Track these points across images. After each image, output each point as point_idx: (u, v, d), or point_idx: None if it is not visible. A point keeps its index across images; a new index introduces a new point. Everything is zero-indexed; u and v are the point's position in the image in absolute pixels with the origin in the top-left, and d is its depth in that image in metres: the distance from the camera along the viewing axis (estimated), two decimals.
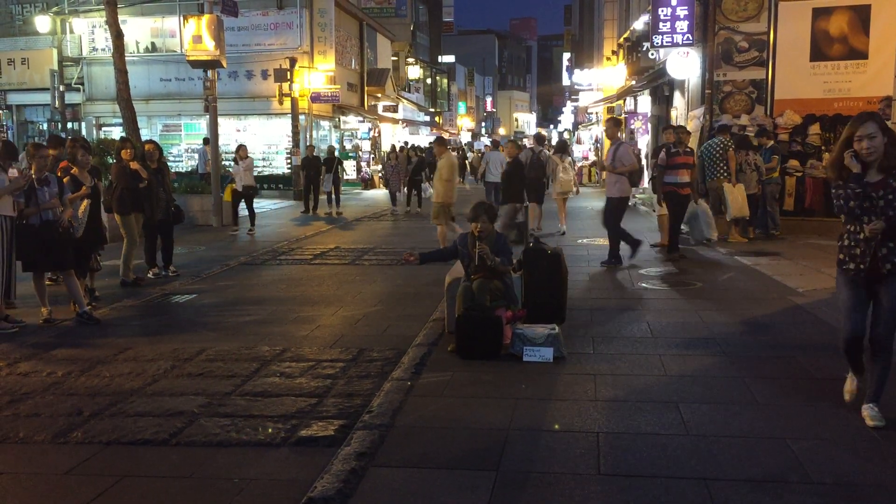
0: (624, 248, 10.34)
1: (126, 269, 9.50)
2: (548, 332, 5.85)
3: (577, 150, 38.79)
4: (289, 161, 25.03)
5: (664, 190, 10.80)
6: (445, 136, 50.89)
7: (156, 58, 26.07)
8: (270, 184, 25.41)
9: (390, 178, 20.38)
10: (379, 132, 34.50)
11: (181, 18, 19.98)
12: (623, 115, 24.52)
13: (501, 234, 6.45)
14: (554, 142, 22.73)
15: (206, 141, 22.13)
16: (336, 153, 21.13)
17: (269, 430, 4.58)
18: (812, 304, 7.71)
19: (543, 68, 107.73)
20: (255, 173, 26.53)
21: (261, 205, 21.21)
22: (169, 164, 11.42)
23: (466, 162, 36.72)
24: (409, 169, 20.57)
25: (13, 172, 7.37)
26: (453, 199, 11.87)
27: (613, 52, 28.71)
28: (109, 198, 9.42)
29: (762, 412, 4.67)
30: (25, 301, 7.94)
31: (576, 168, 17.24)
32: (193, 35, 16.11)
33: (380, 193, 27.22)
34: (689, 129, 12.91)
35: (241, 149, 15.68)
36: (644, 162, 21.48)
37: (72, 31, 26.73)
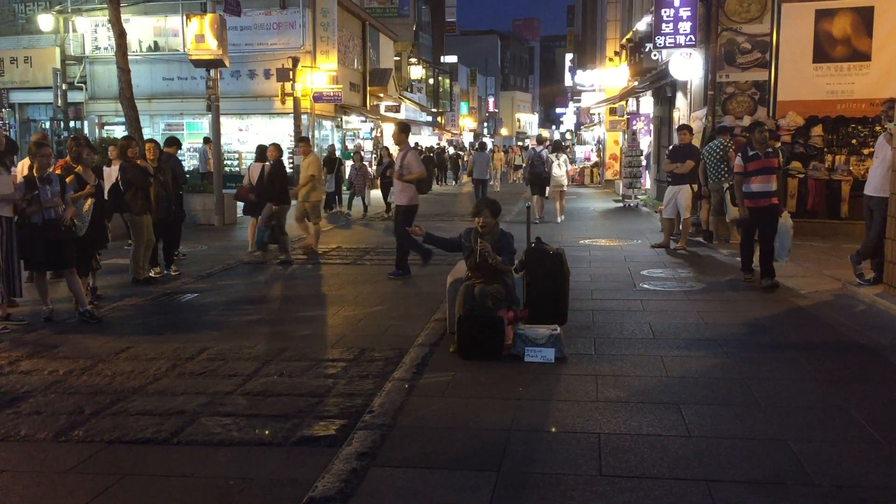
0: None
1: (137, 268, 9.50)
2: (549, 333, 5.84)
3: (579, 151, 38.78)
4: (291, 161, 25.02)
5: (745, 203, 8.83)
6: (448, 136, 51.11)
7: (158, 57, 26.10)
8: None
9: (354, 182, 19.51)
10: (381, 132, 34.51)
11: (184, 17, 19.96)
12: (626, 116, 24.51)
13: (505, 232, 6.42)
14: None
15: (206, 140, 22.18)
16: (338, 153, 21.18)
17: (271, 430, 4.58)
18: (814, 306, 7.70)
19: (546, 69, 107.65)
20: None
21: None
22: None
23: (460, 161, 37.00)
24: (379, 170, 20.01)
25: (15, 172, 7.39)
26: (321, 198, 12.04)
27: (616, 53, 28.68)
28: (115, 197, 9.41)
29: (764, 414, 4.67)
30: (27, 300, 7.94)
31: (569, 166, 18.99)
32: (196, 34, 16.10)
33: (379, 193, 27.16)
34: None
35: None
36: (644, 163, 21.51)
37: (75, 30, 26.76)
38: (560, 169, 16.83)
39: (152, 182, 9.59)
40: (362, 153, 21.97)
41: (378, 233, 15.56)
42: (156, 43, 26.44)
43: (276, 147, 11.94)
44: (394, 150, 15.19)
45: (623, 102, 24.73)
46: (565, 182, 17.15)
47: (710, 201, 12.38)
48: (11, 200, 7.14)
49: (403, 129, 10.42)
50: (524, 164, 24.18)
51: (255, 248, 11.91)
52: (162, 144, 11.06)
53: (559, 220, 16.62)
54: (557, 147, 18.36)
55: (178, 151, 12.28)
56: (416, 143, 33.24)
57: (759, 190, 8.65)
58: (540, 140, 18.45)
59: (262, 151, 12.43)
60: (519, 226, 9.68)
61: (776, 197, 8.80)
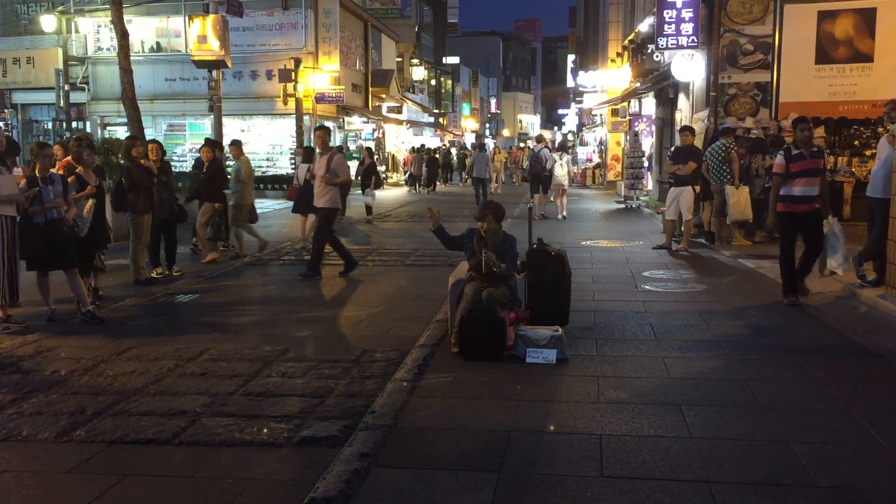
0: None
1: (137, 268, 9.51)
2: (551, 334, 5.84)
3: (581, 152, 38.75)
4: (293, 161, 25.05)
5: (778, 209, 7.96)
6: (450, 136, 51.13)
7: (161, 57, 26.10)
8: (274, 184, 25.43)
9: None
10: (383, 133, 34.55)
11: (186, 18, 20.04)
12: (628, 117, 24.51)
13: (508, 235, 6.41)
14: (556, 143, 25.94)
15: (207, 141, 22.18)
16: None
17: (272, 430, 4.58)
18: (815, 307, 7.69)
19: (548, 70, 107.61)
20: (259, 174, 26.61)
21: (265, 205, 21.24)
22: (173, 163, 11.46)
23: (467, 161, 37.02)
24: (360, 171, 19.58)
25: (17, 171, 7.40)
26: (251, 201, 11.97)
27: (618, 54, 28.68)
28: (120, 196, 9.41)
29: (765, 415, 4.66)
30: (29, 300, 7.94)
31: (572, 166, 20.69)
32: (198, 35, 16.17)
33: (384, 193, 27.25)
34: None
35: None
36: (646, 164, 21.52)
37: (77, 31, 26.79)
38: (562, 169, 17.87)
39: (155, 182, 9.61)
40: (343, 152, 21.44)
41: (377, 235, 15.57)
42: (158, 44, 26.46)
43: (214, 147, 12.01)
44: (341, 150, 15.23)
45: (625, 104, 24.72)
46: (566, 181, 18.23)
47: (713, 202, 12.38)
48: (14, 200, 7.15)
49: (327, 132, 10.52)
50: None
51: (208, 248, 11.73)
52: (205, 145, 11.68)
53: (561, 216, 17.50)
54: (562, 147, 19.67)
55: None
56: (423, 145, 33.51)
57: (801, 194, 7.81)
58: (539, 140, 18.92)
59: (309, 153, 12.88)
60: (520, 227, 9.71)
61: (819, 201, 7.96)
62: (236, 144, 12.59)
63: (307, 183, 11.89)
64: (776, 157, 8.24)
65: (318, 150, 10.67)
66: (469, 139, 59.80)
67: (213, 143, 12.00)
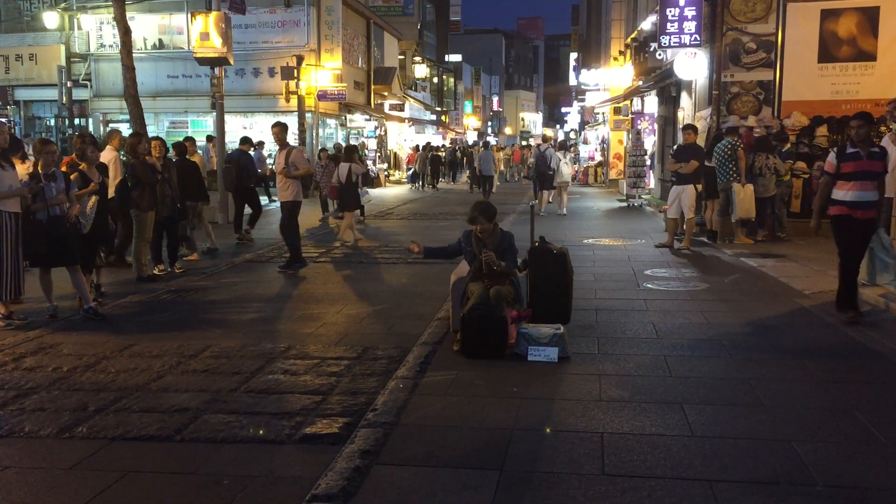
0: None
1: (140, 265, 9.52)
2: (553, 332, 5.84)
3: (583, 151, 38.73)
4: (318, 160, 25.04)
5: (831, 212, 7.12)
6: (452, 134, 51.12)
7: (163, 54, 26.10)
8: (275, 181, 25.40)
9: (321, 182, 17.36)
10: (385, 131, 34.53)
11: (189, 15, 20.03)
12: (630, 116, 24.48)
13: (506, 233, 6.40)
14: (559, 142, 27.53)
15: (209, 138, 22.27)
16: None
17: (274, 427, 4.58)
18: (818, 307, 7.68)
19: (550, 68, 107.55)
20: (262, 170, 26.55)
21: (267, 202, 21.24)
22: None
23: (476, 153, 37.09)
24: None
25: (20, 169, 7.40)
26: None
27: (620, 53, 28.65)
28: (125, 193, 9.41)
29: (767, 414, 4.66)
30: (31, 296, 7.95)
31: (573, 164, 21.89)
32: (201, 32, 16.12)
33: (386, 191, 27.27)
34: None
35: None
36: (648, 162, 21.50)
37: (80, 28, 26.78)
38: (566, 167, 18.97)
39: (159, 179, 9.61)
40: (327, 149, 19.94)
41: (384, 231, 15.57)
42: (161, 41, 26.45)
43: (188, 142, 12.20)
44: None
45: (627, 102, 24.71)
46: (569, 179, 19.44)
47: (717, 201, 12.38)
48: (19, 194, 7.14)
49: (283, 128, 10.69)
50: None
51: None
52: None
53: (563, 211, 18.20)
54: (562, 147, 20.92)
55: (251, 149, 14.84)
56: (428, 143, 33.56)
57: (854, 199, 6.89)
58: (545, 139, 19.52)
59: (350, 152, 13.66)
60: (522, 225, 9.71)
61: (876, 209, 7.01)
62: (190, 142, 12.76)
63: (349, 180, 12.89)
64: (829, 154, 7.33)
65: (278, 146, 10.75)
66: (471, 137, 59.85)
67: (176, 144, 11.89)
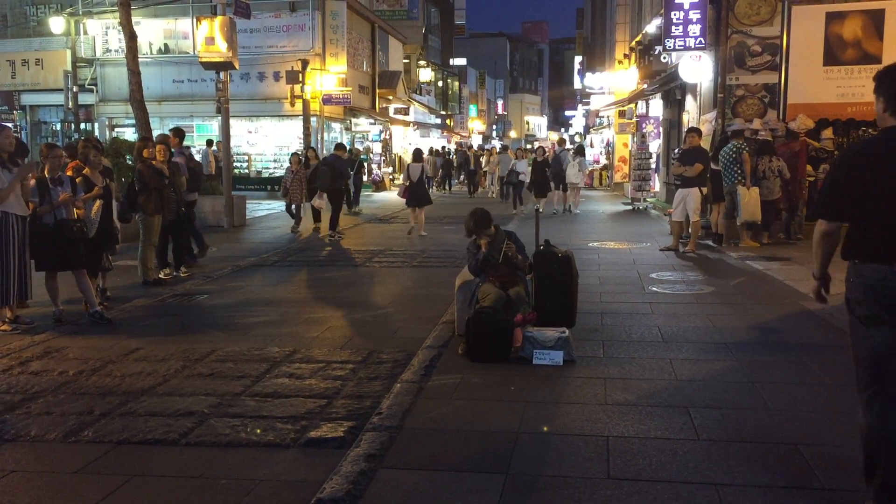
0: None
1: (146, 269, 9.54)
2: (558, 336, 5.83)
3: (588, 154, 38.68)
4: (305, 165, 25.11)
5: None
6: (456, 138, 51.13)
7: (169, 59, 26.20)
8: (280, 186, 25.45)
9: (289, 188, 15.85)
10: (390, 134, 34.57)
11: (194, 20, 20.04)
12: (635, 119, 24.47)
13: (509, 231, 6.52)
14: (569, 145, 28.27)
15: (209, 142, 22.47)
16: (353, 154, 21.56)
17: (279, 431, 4.59)
18: (823, 309, 7.63)
19: (555, 71, 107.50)
20: (266, 175, 26.76)
21: (272, 206, 21.30)
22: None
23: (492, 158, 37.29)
24: (307, 174, 15.86)
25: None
26: None
27: (625, 56, 28.62)
28: (132, 198, 9.42)
29: (773, 417, 4.65)
30: (37, 301, 7.98)
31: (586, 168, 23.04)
32: (206, 37, 16.16)
33: (392, 196, 27.27)
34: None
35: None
36: (653, 166, 21.48)
37: (85, 33, 26.90)
38: (575, 169, 20.00)
39: (165, 183, 9.63)
40: (299, 154, 17.64)
41: (389, 235, 15.58)
42: (166, 45, 26.55)
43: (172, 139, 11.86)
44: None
45: (632, 105, 24.69)
46: (580, 180, 20.70)
47: (723, 204, 12.35)
48: (27, 172, 7.15)
49: (178, 133, 11.31)
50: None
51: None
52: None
53: (577, 211, 20.06)
54: (579, 151, 21.93)
55: (345, 154, 16.54)
56: (443, 147, 33.77)
57: None
58: (560, 143, 22.35)
59: (418, 154, 15.67)
60: (527, 228, 9.70)
61: None
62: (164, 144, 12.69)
63: (420, 180, 14.92)
64: None
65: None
66: (476, 140, 59.84)
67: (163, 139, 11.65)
